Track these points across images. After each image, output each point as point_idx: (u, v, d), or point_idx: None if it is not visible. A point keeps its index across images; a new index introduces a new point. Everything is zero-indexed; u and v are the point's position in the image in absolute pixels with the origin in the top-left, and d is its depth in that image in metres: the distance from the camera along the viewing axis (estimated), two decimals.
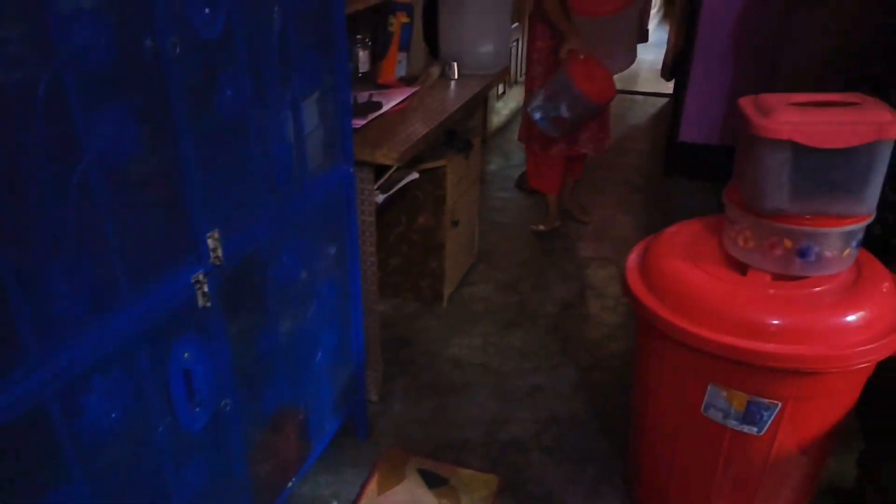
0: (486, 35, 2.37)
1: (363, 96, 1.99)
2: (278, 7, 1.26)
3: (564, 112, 2.61)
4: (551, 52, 2.75)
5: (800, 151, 1.21)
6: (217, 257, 1.18)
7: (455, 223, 2.50)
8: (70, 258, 0.91)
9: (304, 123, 1.40)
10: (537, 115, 2.66)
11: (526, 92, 3.00)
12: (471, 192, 2.63)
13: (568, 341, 2.41)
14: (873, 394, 1.46)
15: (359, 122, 1.82)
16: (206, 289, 1.17)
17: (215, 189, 1.16)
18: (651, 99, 5.01)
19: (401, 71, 2.18)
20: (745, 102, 1.31)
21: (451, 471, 1.82)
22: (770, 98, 1.28)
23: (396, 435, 1.97)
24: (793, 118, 1.21)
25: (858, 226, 1.30)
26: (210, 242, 1.17)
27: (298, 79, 1.35)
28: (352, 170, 1.60)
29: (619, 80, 4.82)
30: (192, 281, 1.15)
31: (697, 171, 3.61)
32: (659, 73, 5.07)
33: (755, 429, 1.38)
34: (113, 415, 1.01)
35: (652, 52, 6.05)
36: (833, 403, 1.37)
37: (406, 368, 2.25)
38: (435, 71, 2.31)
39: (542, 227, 3.15)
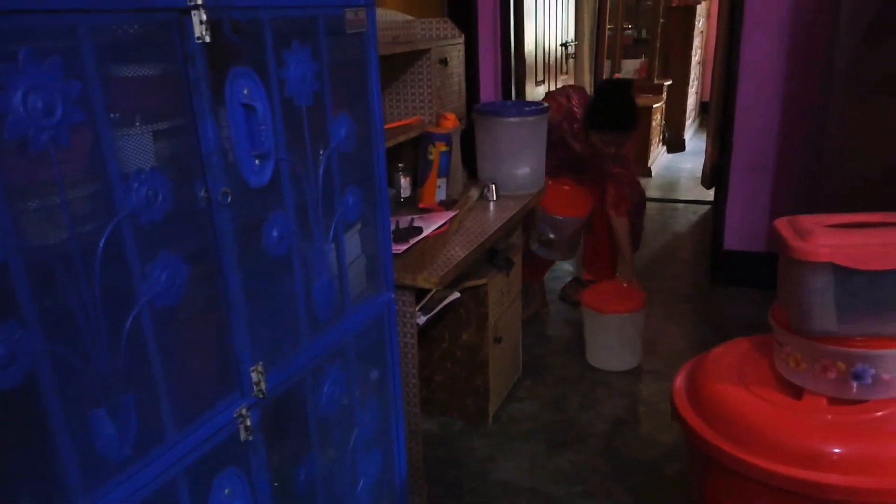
0: (521, 158, 2.46)
1: (405, 221, 2.07)
2: (323, 151, 1.35)
3: (551, 235, 2.94)
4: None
5: (842, 273, 1.19)
6: (260, 390, 1.20)
7: (498, 340, 2.49)
8: (118, 402, 0.94)
9: (346, 254, 1.45)
10: (534, 248, 3.02)
11: None
12: (513, 308, 2.64)
13: (620, 462, 2.30)
14: None
15: (400, 248, 1.87)
16: (248, 422, 1.18)
17: (260, 324, 1.20)
18: (692, 206, 5.03)
19: (441, 195, 2.27)
20: (781, 224, 1.31)
21: None
22: (806, 220, 1.28)
23: None
24: (832, 240, 1.20)
25: None
26: (254, 376, 1.19)
27: (341, 213, 1.41)
28: (393, 295, 1.64)
29: (659, 188, 4.93)
30: (236, 415, 1.16)
31: (746, 278, 3.54)
32: (698, 180, 5.11)
33: None
34: None
35: (690, 161, 6.16)
36: None
37: (452, 491, 2.18)
38: (474, 194, 2.40)
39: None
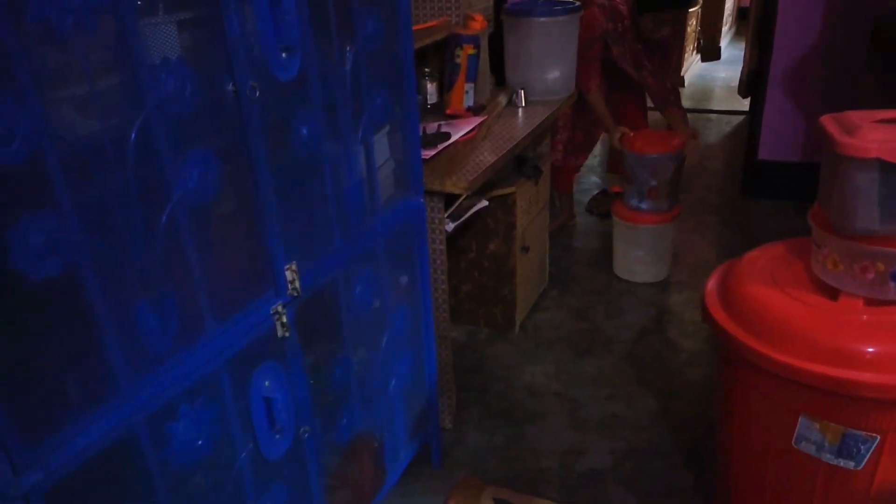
0: (552, 61, 2.37)
1: (432, 127, 2.02)
2: (350, 47, 1.31)
3: (652, 181, 2.74)
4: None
5: (888, 170, 1.15)
6: (295, 289, 1.22)
7: (525, 249, 2.49)
8: (158, 293, 0.96)
9: (375, 157, 1.43)
10: (645, 206, 2.78)
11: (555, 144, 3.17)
12: (541, 218, 2.62)
13: (645, 368, 2.34)
14: None
15: (428, 153, 1.85)
16: (284, 319, 1.20)
17: (292, 222, 1.21)
18: (726, 117, 4.86)
19: (468, 101, 2.21)
20: (828, 121, 1.25)
21: (528, 501, 1.78)
22: (854, 116, 1.22)
23: (471, 463, 1.95)
24: (880, 135, 1.14)
25: None
26: (288, 274, 1.21)
27: (369, 114, 1.39)
28: (422, 200, 1.62)
29: (692, 97, 4.78)
30: (272, 312, 1.19)
31: (778, 190, 3.46)
32: (734, 90, 4.93)
33: (852, 463, 1.29)
34: (199, 442, 1.05)
35: (725, 70, 5.91)
36: None
37: (480, 396, 2.24)
38: (502, 99, 2.33)
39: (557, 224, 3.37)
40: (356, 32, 1.31)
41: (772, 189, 3.48)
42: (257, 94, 1.07)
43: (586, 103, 2.94)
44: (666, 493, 1.82)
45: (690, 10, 5.51)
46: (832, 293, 1.34)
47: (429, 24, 2.15)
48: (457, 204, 2.06)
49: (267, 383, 1.18)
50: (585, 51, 2.74)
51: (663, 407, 2.14)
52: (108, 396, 0.92)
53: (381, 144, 1.49)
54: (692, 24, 5.71)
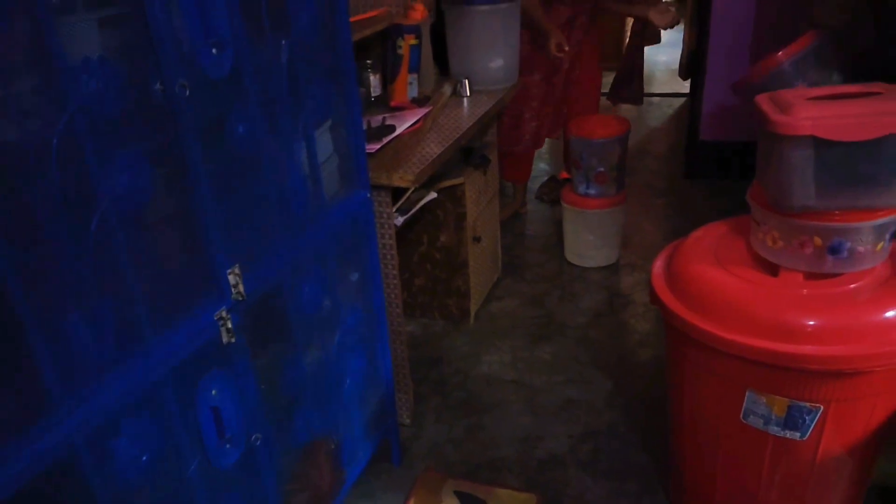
0: (494, 50, 2.36)
1: (377, 120, 2.00)
2: (285, 41, 1.27)
3: (600, 165, 2.73)
4: (552, 75, 2.86)
5: (822, 146, 1.18)
6: (239, 293, 1.18)
7: (477, 239, 2.49)
8: (92, 304, 0.92)
9: (318, 152, 1.40)
10: (593, 191, 2.79)
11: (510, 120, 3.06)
12: (491, 207, 2.62)
13: (599, 352, 2.37)
14: None
15: (373, 147, 1.82)
16: (229, 325, 1.17)
17: (233, 224, 1.17)
18: (668, 100, 4.96)
19: (413, 92, 2.19)
20: (762, 99, 1.28)
21: (489, 491, 1.79)
22: (787, 93, 1.25)
23: (431, 457, 1.95)
24: (813, 112, 1.17)
25: (891, 218, 1.26)
26: (231, 278, 1.17)
27: (309, 109, 1.35)
28: (369, 195, 1.60)
29: None
30: (216, 318, 1.15)
31: (721, 169, 3.55)
32: (675, 73, 5.03)
33: (798, 434, 1.33)
34: (144, 457, 1.01)
35: (666, 53, 6.01)
36: (878, 403, 1.31)
37: (437, 388, 2.24)
38: (447, 90, 2.32)
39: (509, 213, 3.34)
40: (291, 24, 1.27)
41: (715, 169, 3.56)
42: (187, 92, 1.03)
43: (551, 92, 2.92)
44: (624, 473, 1.85)
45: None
46: (773, 269, 1.38)
47: (369, 14, 2.11)
48: (405, 197, 2.04)
49: (214, 392, 1.15)
50: None
51: (618, 388, 2.17)
52: (43, 416, 0.87)
53: (324, 139, 1.46)
54: None
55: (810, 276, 1.33)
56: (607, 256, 2.92)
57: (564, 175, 3.51)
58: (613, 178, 2.78)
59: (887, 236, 1.29)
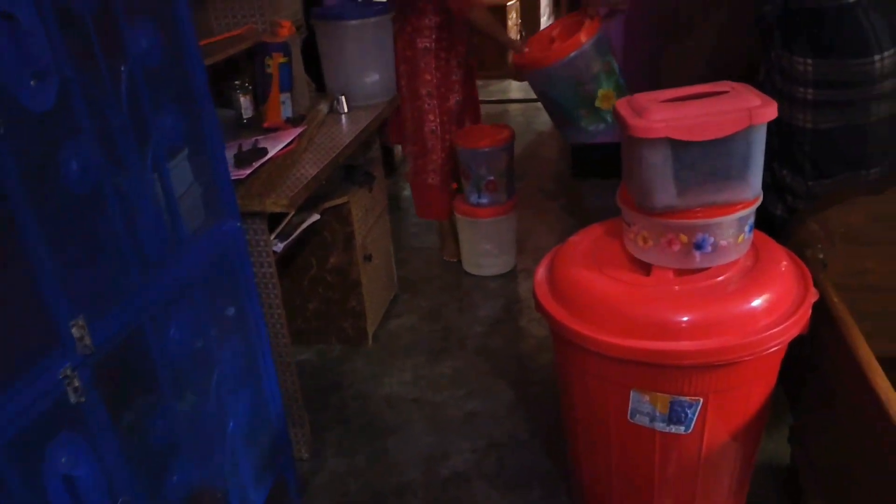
0: (369, 64, 2.32)
1: (248, 143, 1.90)
2: (125, 66, 1.17)
3: (489, 174, 2.68)
4: (442, 85, 2.69)
5: (678, 147, 1.21)
6: (86, 346, 1.07)
7: (368, 258, 2.43)
8: None
9: (174, 185, 1.31)
10: (484, 200, 2.73)
11: (415, 139, 2.81)
12: (381, 224, 2.57)
13: (498, 360, 2.37)
14: (795, 367, 1.47)
15: (244, 172, 1.73)
16: (77, 383, 1.05)
17: (75, 272, 1.06)
18: None
19: (287, 112, 2.11)
20: (621, 105, 1.30)
21: None
22: (642, 98, 1.28)
23: (333, 490, 1.87)
24: (666, 115, 1.20)
25: (748, 210, 1.31)
26: (75, 331, 1.06)
27: (159, 138, 1.26)
28: (239, 224, 1.51)
29: (521, 88, 4.79)
30: (61, 376, 1.03)
31: (604, 169, 3.65)
32: None
33: (682, 427, 1.36)
34: None
35: None
36: (753, 390, 1.36)
37: (338, 416, 2.16)
38: (323, 107, 2.25)
39: (455, 259, 3.06)
40: (128, 50, 1.17)
41: (598, 169, 3.67)
42: (2, 130, 0.92)
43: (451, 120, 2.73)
44: (528, 482, 1.84)
45: (509, 3, 5.72)
46: (646, 268, 1.41)
47: (231, 33, 2.02)
48: (285, 222, 1.96)
49: (64, 459, 1.03)
50: None
51: (519, 396, 2.17)
52: None
53: (181, 170, 1.36)
54: (513, 17, 5.93)
55: (680, 272, 1.36)
56: (504, 264, 2.94)
57: (454, 185, 3.51)
58: (503, 185, 2.80)
59: (747, 228, 1.35)
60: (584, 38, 2.20)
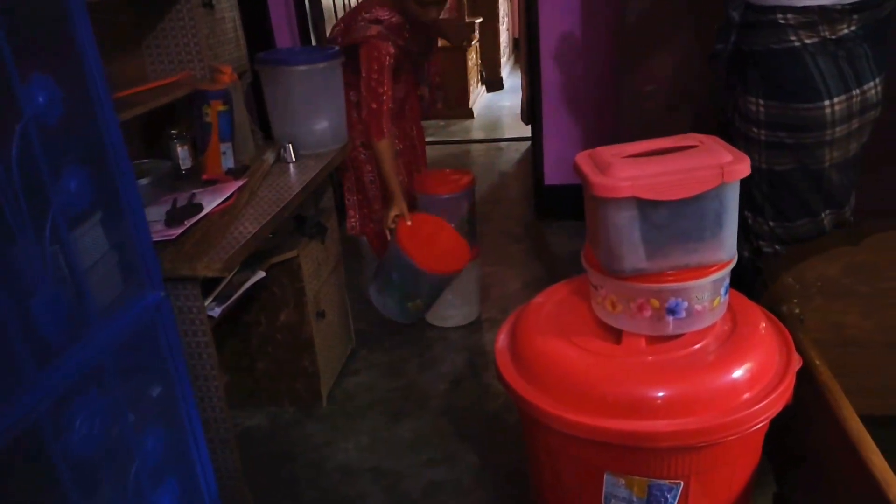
0: (318, 111, 2.20)
1: (183, 198, 1.75)
2: (16, 126, 1.02)
3: (450, 222, 2.54)
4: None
5: (646, 206, 1.10)
6: None
7: (321, 315, 2.27)
8: None
9: (81, 256, 1.14)
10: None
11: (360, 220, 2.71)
12: (335, 278, 2.42)
13: (463, 421, 2.21)
14: (776, 432, 1.36)
15: (174, 232, 1.57)
16: None
17: None
18: (515, 144, 5.04)
19: (228, 162, 1.96)
20: (582, 159, 1.20)
21: None
22: (605, 152, 1.17)
23: None
24: (632, 172, 1.10)
25: (723, 272, 1.21)
26: None
27: (60, 205, 1.10)
28: (163, 294, 1.35)
29: (482, 128, 4.71)
30: None
31: (569, 212, 3.57)
32: (518, 118, 5.14)
33: None
34: None
35: (509, 99, 6.19)
36: (737, 468, 1.24)
37: (288, 489, 1.97)
38: (269, 157, 2.12)
39: None
40: (22, 108, 1.03)
41: (563, 212, 3.59)
42: None
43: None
44: None
45: (470, 45, 5.70)
46: (616, 334, 1.28)
47: (167, 80, 1.88)
48: (224, 282, 1.80)
49: None
50: (376, 87, 2.29)
51: (485, 463, 2.02)
52: None
53: (91, 238, 1.20)
54: (472, 58, 5.91)
55: (653, 340, 1.24)
56: (468, 314, 2.80)
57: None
58: (465, 232, 2.68)
59: (722, 290, 1.24)
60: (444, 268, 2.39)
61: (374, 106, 2.30)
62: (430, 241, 2.48)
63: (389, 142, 2.39)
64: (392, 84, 2.34)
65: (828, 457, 1.25)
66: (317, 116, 2.19)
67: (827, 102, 1.48)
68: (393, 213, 2.42)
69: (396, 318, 2.51)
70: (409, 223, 2.42)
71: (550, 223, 3.63)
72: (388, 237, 2.45)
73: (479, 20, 6.16)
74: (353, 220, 2.71)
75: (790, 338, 1.28)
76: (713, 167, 1.10)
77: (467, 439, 2.12)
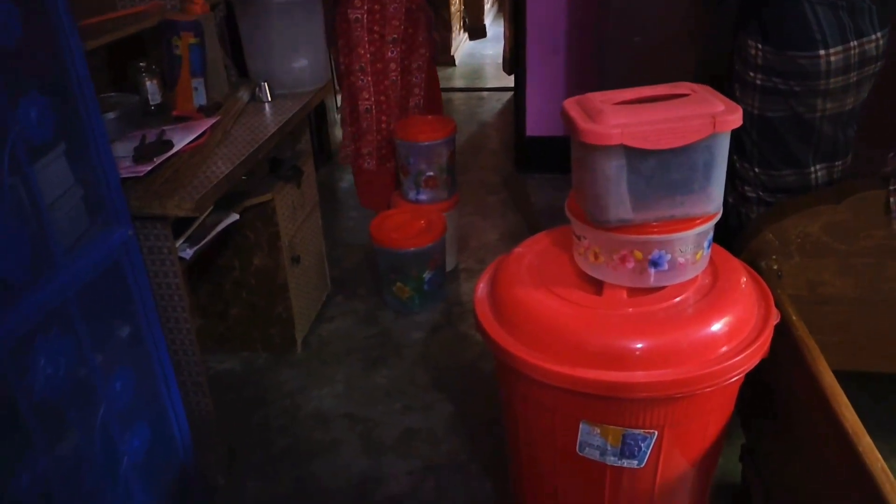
0: (297, 48, 2.11)
1: (153, 135, 1.68)
2: None
3: (429, 170, 2.51)
4: (377, 60, 2.51)
5: (634, 155, 1.07)
6: None
7: (296, 260, 2.23)
8: None
9: (42, 190, 1.09)
10: (424, 197, 2.56)
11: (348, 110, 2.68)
12: (310, 222, 2.37)
13: (439, 370, 2.21)
14: (747, 385, 1.37)
15: (143, 169, 1.51)
16: None
17: None
18: (497, 94, 4.94)
19: (199, 99, 1.88)
20: (570, 105, 1.15)
21: None
22: (595, 98, 1.13)
23: None
24: (622, 119, 1.06)
25: (708, 226, 1.19)
26: None
27: (20, 133, 1.04)
28: (131, 232, 1.30)
29: (464, 77, 4.62)
30: None
31: (550, 164, 3.53)
32: (500, 67, 5.03)
33: (635, 462, 1.23)
34: None
35: (492, 47, 6.04)
36: (710, 420, 1.25)
37: (261, 435, 1.97)
38: (244, 95, 2.03)
39: None
40: None
41: (544, 164, 3.54)
42: None
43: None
44: None
45: None
46: (597, 285, 1.27)
47: (135, 9, 1.78)
48: (197, 223, 1.74)
49: None
50: None
51: (460, 412, 2.03)
52: None
53: (55, 171, 1.14)
54: (456, 4, 5.74)
55: (634, 291, 1.23)
56: (445, 263, 2.78)
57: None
58: (444, 181, 2.63)
59: (706, 244, 1.22)
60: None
61: None
62: (401, 226, 2.49)
63: None
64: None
65: (799, 410, 1.27)
66: (295, 54, 2.10)
67: (822, 52, 1.46)
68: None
69: (400, 308, 2.53)
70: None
71: (531, 175, 3.59)
72: None
73: None
74: (346, 149, 2.69)
75: (769, 293, 1.28)
76: (705, 116, 1.06)
77: (443, 388, 2.12)
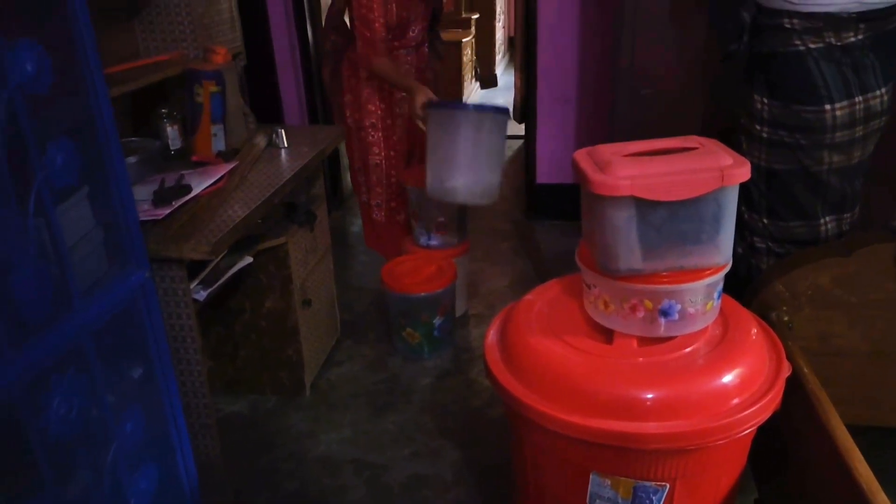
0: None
1: (172, 179, 1.72)
2: (5, 91, 0.99)
3: (439, 215, 2.55)
4: (387, 117, 2.56)
5: (644, 206, 1.09)
6: None
7: (307, 303, 2.25)
8: None
9: (64, 232, 1.11)
10: (434, 242, 2.60)
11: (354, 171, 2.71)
12: (323, 266, 2.40)
13: (446, 416, 2.20)
14: (760, 439, 1.36)
15: (161, 212, 1.54)
16: None
17: None
18: (508, 141, 5.01)
19: (218, 145, 1.93)
20: (581, 157, 1.18)
21: None
22: (605, 150, 1.15)
23: None
24: (631, 171, 1.08)
25: (718, 276, 1.20)
26: None
27: (46, 177, 1.07)
28: (147, 274, 1.32)
29: None
30: None
31: (560, 211, 3.57)
32: (512, 115, 5.12)
33: None
34: None
35: (503, 96, 6.17)
36: (723, 473, 1.24)
37: (268, 479, 1.95)
38: (261, 141, 2.08)
39: None
40: (6, 75, 0.99)
41: (554, 211, 3.58)
42: None
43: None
44: None
45: (464, 40, 5.67)
46: (607, 334, 1.27)
47: (158, 58, 1.84)
48: (211, 266, 1.77)
49: None
50: (367, 13, 2.20)
51: (468, 457, 2.00)
52: None
53: (77, 213, 1.17)
54: (468, 54, 5.89)
55: (645, 341, 1.23)
56: (455, 309, 2.78)
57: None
58: (455, 227, 2.66)
59: (716, 295, 1.23)
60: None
61: (368, 34, 2.23)
62: (412, 272, 2.51)
63: (386, 59, 2.30)
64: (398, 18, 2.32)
65: (812, 464, 1.25)
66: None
67: (828, 107, 1.49)
68: (420, 99, 2.21)
69: (409, 353, 2.53)
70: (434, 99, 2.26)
71: (540, 222, 3.62)
72: (422, 127, 2.29)
73: (475, 16, 6.13)
74: (362, 196, 2.71)
75: (780, 345, 1.28)
76: (713, 170, 1.09)
77: (450, 435, 2.11)
